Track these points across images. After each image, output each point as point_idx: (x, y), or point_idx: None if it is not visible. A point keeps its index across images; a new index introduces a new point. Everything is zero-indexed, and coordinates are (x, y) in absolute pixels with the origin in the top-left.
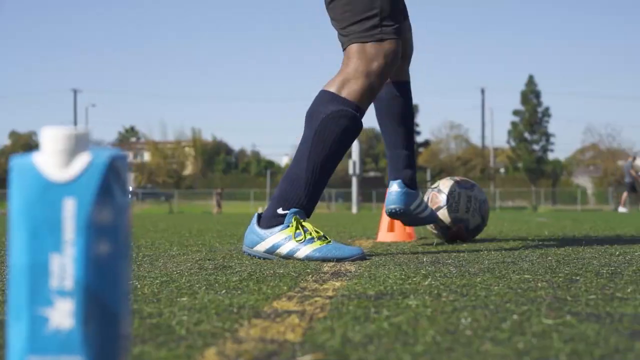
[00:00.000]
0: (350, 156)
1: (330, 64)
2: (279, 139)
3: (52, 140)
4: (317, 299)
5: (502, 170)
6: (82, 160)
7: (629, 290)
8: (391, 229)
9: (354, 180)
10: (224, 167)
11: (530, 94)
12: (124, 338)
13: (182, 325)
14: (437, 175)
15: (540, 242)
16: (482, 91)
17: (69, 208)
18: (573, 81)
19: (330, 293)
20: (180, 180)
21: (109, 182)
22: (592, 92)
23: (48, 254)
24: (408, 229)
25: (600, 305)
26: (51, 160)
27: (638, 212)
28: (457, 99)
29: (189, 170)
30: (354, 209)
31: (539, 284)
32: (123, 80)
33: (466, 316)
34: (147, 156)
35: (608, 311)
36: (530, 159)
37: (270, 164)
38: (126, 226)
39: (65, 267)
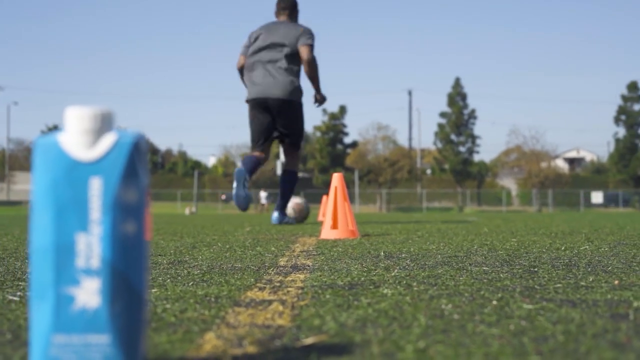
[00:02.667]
0: (278, 157)
1: None
2: (206, 139)
3: (77, 119)
4: (289, 289)
5: (428, 171)
6: (108, 139)
7: (590, 279)
8: (334, 226)
9: None
10: (150, 167)
11: (457, 96)
12: (146, 317)
13: (168, 313)
14: (365, 176)
15: (484, 239)
16: (409, 93)
17: (96, 187)
18: (498, 84)
19: (299, 284)
20: None
21: (134, 162)
22: (516, 95)
23: (74, 233)
24: (351, 226)
25: (569, 292)
26: (76, 140)
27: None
28: (385, 101)
29: None
30: None
31: (501, 275)
32: (47, 78)
33: (446, 303)
34: None
35: (580, 298)
36: (457, 160)
37: (197, 165)
38: (147, 206)
39: (91, 246)
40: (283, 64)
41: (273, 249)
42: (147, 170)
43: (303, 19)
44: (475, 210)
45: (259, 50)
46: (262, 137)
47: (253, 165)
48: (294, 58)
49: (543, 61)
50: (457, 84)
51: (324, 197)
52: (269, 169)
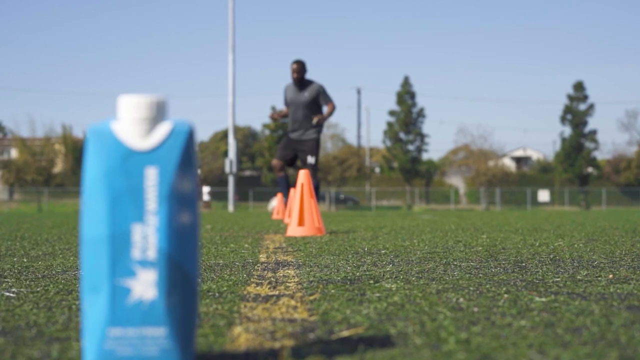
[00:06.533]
0: (226, 155)
1: (208, 63)
2: None
3: (132, 108)
4: (287, 284)
5: (377, 169)
6: (164, 128)
7: (583, 273)
8: (301, 223)
9: (231, 179)
10: None
11: (406, 94)
12: (199, 308)
13: None
14: None
15: (454, 235)
16: (358, 91)
17: (151, 177)
18: (447, 83)
19: (295, 279)
20: (50, 178)
21: (189, 152)
22: (465, 94)
23: (130, 223)
24: (317, 223)
25: (570, 286)
26: (131, 128)
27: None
28: (334, 99)
29: (59, 167)
30: (231, 208)
31: (493, 270)
32: None
33: (457, 297)
34: (14, 153)
35: (584, 291)
36: (405, 159)
37: None
38: (198, 196)
39: (147, 237)
40: None
41: (246, 245)
42: (197, 159)
43: (249, 18)
44: (424, 208)
45: None
46: None
47: None
48: None
49: (491, 61)
50: (406, 82)
51: (279, 195)
52: (216, 167)
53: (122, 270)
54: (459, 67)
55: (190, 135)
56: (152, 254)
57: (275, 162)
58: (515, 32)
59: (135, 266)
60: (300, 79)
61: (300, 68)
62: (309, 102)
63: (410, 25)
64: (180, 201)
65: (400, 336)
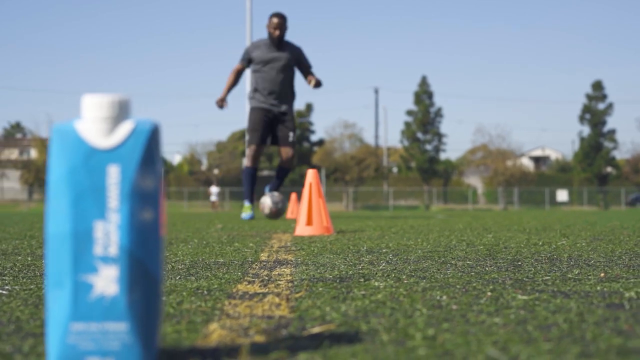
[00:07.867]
0: (244, 154)
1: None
2: (172, 137)
3: (94, 107)
4: (278, 282)
5: (395, 169)
6: (126, 127)
7: (576, 272)
8: (309, 222)
9: None
10: None
11: (423, 94)
12: (162, 304)
13: (166, 304)
14: (332, 174)
15: (460, 235)
16: (376, 91)
17: (113, 175)
18: (465, 83)
19: (287, 277)
20: None
21: (152, 150)
22: (482, 93)
23: (92, 221)
24: (325, 222)
25: (558, 284)
26: (94, 127)
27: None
28: (351, 99)
29: None
30: None
31: (487, 268)
32: (8, 75)
33: (440, 294)
34: (33, 153)
35: (570, 289)
36: (423, 159)
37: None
38: (162, 193)
39: (109, 234)
40: None
41: (251, 244)
42: (161, 157)
43: (266, 17)
44: (441, 208)
45: None
46: None
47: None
48: None
49: (509, 60)
50: (424, 82)
51: (292, 195)
52: (233, 167)
53: (85, 266)
54: (476, 67)
55: (153, 134)
56: (113, 250)
57: (255, 148)
58: (534, 32)
59: (98, 262)
60: (281, 37)
61: (282, 24)
62: (291, 63)
63: (428, 25)
64: (142, 199)
65: (370, 333)
